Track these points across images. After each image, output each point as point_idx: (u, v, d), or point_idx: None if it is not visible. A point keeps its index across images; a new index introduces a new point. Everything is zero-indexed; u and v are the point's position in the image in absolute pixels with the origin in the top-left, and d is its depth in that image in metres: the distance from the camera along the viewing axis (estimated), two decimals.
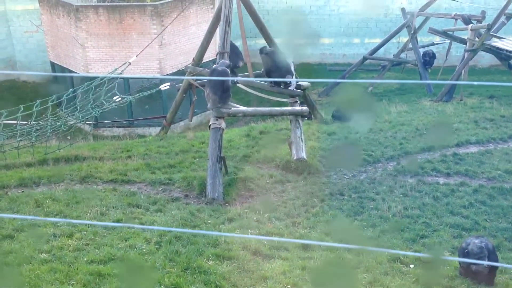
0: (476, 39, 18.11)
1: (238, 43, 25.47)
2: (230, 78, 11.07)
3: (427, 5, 21.50)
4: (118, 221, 8.47)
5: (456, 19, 20.20)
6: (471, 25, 18.95)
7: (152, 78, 16.88)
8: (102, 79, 13.21)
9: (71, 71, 20.39)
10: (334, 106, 16.56)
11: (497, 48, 17.90)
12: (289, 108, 12.56)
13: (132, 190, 10.08)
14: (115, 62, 17.83)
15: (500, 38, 18.93)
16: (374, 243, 8.35)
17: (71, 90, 13.57)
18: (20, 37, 23.56)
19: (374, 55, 22.35)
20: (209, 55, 16.23)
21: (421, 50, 21.57)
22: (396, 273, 7.47)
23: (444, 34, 20.42)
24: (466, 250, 7.29)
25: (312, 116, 15.03)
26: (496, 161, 11.70)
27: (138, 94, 13.99)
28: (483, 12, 20.11)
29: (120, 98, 12.92)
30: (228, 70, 10.83)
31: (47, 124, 12.26)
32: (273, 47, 13.01)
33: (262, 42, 15.09)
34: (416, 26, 21.42)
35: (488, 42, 18.05)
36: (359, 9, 25.32)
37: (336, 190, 10.42)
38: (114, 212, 8.80)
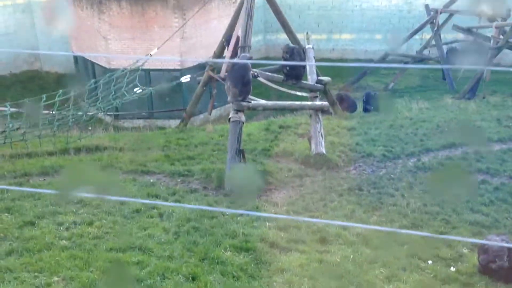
0: (501, 36, 17.86)
1: (259, 37, 25.34)
2: (254, 71, 11.06)
3: (451, 2, 21.27)
4: (137, 211, 8.55)
5: (481, 17, 19.95)
6: (495, 22, 18.70)
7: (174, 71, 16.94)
8: (123, 71, 13.32)
9: (93, 63, 20.60)
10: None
11: None
12: (309, 102, 12.53)
13: (151, 180, 10.16)
14: (136, 55, 17.98)
15: None
16: (391, 239, 8.30)
17: (92, 81, 13.70)
18: (44, 28, 23.85)
19: (397, 51, 22.19)
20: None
21: (444, 47, 21.34)
22: (414, 269, 7.42)
23: (468, 31, 20.19)
24: (486, 247, 7.21)
25: (332, 111, 14.97)
26: None
27: (158, 86, 14.07)
28: (508, 10, 19.81)
29: (141, 90, 13.02)
30: (249, 64, 10.83)
31: (68, 114, 12.41)
32: (295, 43, 13.00)
33: (283, 36, 15.08)
34: (440, 23, 21.19)
35: None
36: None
37: (355, 185, 10.37)
38: (134, 201, 8.87)
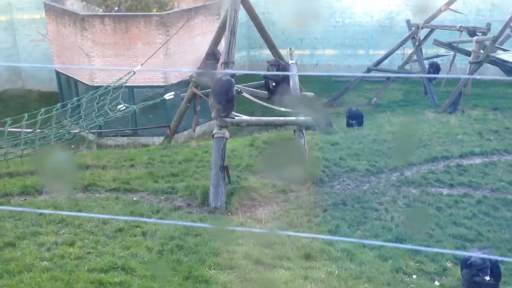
0: (481, 51, 18.11)
1: (243, 53, 25.45)
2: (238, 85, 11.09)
3: (432, 17, 21.55)
4: (120, 230, 8.46)
5: (461, 31, 20.24)
6: (476, 37, 18.97)
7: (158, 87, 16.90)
8: (106, 88, 13.26)
9: (76, 81, 20.50)
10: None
11: (502, 60, 17.88)
12: (293, 118, 12.57)
13: (134, 198, 10.08)
14: (120, 72, 17.93)
15: (505, 50, 18.92)
16: (376, 253, 8.30)
17: (75, 98, 13.62)
18: (26, 46, 23.74)
19: (379, 66, 22.38)
20: None
21: (426, 62, 21.58)
22: (398, 283, 7.42)
23: (449, 46, 20.46)
24: (469, 261, 7.24)
25: (316, 126, 15.04)
26: (500, 172, 11.65)
27: (142, 104, 14.03)
28: (488, 25, 20.15)
29: (124, 107, 12.96)
30: (233, 80, 10.86)
31: (51, 132, 12.29)
32: (278, 59, 13.08)
33: (267, 52, 15.16)
34: (421, 38, 21.45)
35: (493, 55, 18.03)
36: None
37: (339, 200, 10.39)
38: (116, 220, 8.78)
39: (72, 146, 14.84)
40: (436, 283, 7.57)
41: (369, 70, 22.15)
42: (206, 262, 7.54)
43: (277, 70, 12.43)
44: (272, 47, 13.55)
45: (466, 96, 18.62)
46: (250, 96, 12.85)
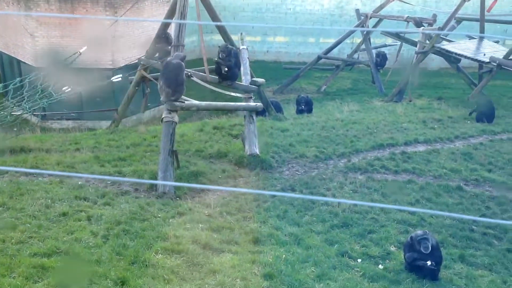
0: (427, 41, 18.58)
1: (194, 38, 25.21)
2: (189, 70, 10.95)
3: (380, 7, 21.94)
4: (63, 214, 8.24)
5: (408, 22, 20.68)
6: (422, 28, 19.44)
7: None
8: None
9: (19, 61, 19.77)
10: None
11: (447, 51, 18.41)
12: (244, 103, 12.55)
13: (79, 182, 9.82)
14: (65, 53, 17.37)
15: (449, 41, 19.50)
16: (323, 238, 8.43)
17: (18, 79, 13.12)
18: None
19: (328, 55, 22.63)
20: None
21: (374, 51, 21.97)
22: (344, 267, 7.57)
23: (396, 36, 20.89)
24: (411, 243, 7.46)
25: (266, 112, 15.09)
26: (442, 160, 12.02)
27: (88, 85, 13.67)
28: (434, 16, 20.67)
29: (69, 89, 12.58)
30: (183, 63, 10.70)
31: None
32: (229, 44, 12.99)
33: (218, 37, 15.03)
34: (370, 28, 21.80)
35: (438, 45, 18.54)
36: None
37: (288, 185, 10.46)
38: (60, 204, 8.55)
39: (15, 129, 14.31)
40: (380, 266, 7.76)
41: (319, 58, 22.36)
42: (153, 247, 7.45)
43: (228, 56, 12.35)
44: (223, 32, 13.44)
45: (411, 86, 19.07)
46: (200, 80, 12.73)
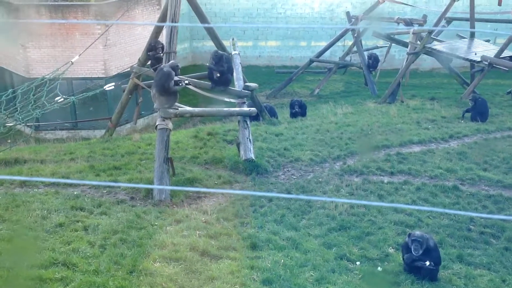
0: (418, 42, 18.64)
1: (186, 45, 25.22)
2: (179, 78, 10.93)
3: (370, 9, 22.00)
4: (60, 225, 8.20)
5: (399, 23, 20.75)
6: (413, 28, 19.49)
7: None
8: (43, 79, 12.79)
9: (11, 73, 19.69)
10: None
11: (438, 51, 18.48)
12: (237, 108, 12.54)
13: (75, 193, 9.78)
14: (57, 63, 17.33)
15: (440, 41, 19.57)
16: (321, 241, 8.42)
17: (10, 90, 13.05)
18: None
19: (321, 58, 22.67)
20: None
21: (366, 53, 22.03)
22: (343, 270, 7.56)
23: (388, 37, 20.95)
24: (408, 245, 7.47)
25: (260, 117, 15.09)
26: (437, 160, 12.04)
27: (81, 95, 13.62)
28: (425, 16, 20.75)
29: (62, 99, 12.53)
30: (172, 71, 10.68)
31: None
32: (221, 50, 13.00)
33: (210, 43, 15.04)
34: (361, 30, 21.86)
35: (429, 45, 18.61)
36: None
37: (284, 189, 10.45)
38: (56, 215, 8.51)
39: (9, 141, 14.24)
40: (379, 268, 7.76)
41: (311, 62, 22.38)
42: (151, 255, 7.43)
43: (219, 61, 12.36)
44: (214, 38, 13.43)
45: (404, 87, 19.13)
46: (193, 87, 12.72)
